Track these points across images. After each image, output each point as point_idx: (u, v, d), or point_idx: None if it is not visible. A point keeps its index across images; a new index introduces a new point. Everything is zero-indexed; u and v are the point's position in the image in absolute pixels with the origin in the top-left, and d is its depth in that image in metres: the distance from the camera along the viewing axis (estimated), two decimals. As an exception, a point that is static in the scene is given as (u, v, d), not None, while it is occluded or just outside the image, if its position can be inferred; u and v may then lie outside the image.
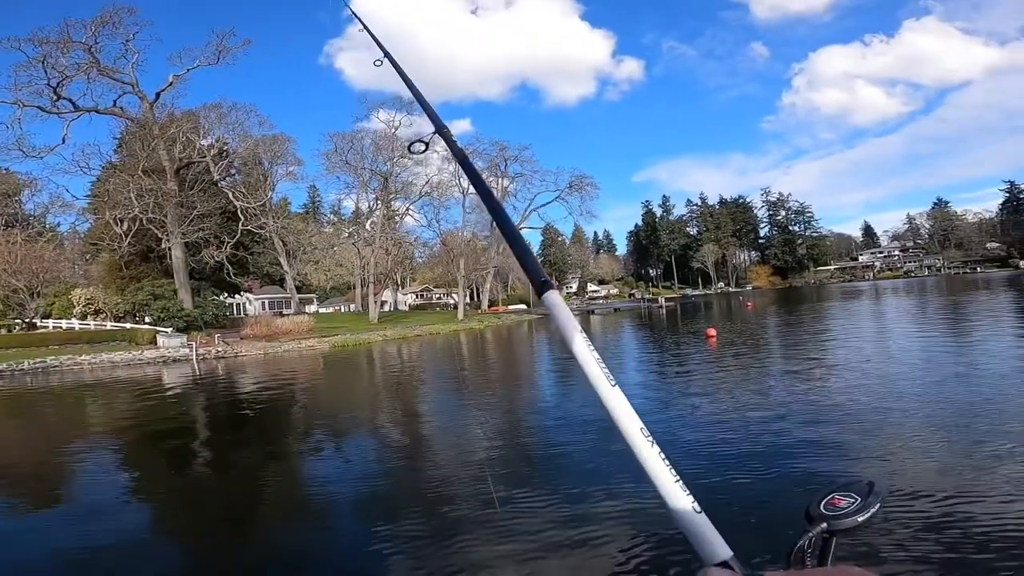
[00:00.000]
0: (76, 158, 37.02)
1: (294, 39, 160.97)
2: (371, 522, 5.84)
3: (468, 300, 67.76)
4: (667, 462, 0.64)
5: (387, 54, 1.85)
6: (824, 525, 0.83)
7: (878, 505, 0.87)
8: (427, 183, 56.00)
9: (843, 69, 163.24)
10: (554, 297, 0.81)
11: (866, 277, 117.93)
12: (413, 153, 1.61)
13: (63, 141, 36.08)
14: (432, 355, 26.87)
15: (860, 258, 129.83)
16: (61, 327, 34.22)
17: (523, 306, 73.19)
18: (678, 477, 0.63)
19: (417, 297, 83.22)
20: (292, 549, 5.33)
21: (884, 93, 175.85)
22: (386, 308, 68.61)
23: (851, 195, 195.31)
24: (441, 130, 1.33)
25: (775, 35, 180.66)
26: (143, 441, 11.24)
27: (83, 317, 35.98)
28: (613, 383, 0.70)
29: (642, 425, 0.66)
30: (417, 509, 6.07)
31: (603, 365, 0.70)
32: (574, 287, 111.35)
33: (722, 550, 0.60)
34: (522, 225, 66.94)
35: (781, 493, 5.41)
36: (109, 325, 34.51)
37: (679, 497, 0.62)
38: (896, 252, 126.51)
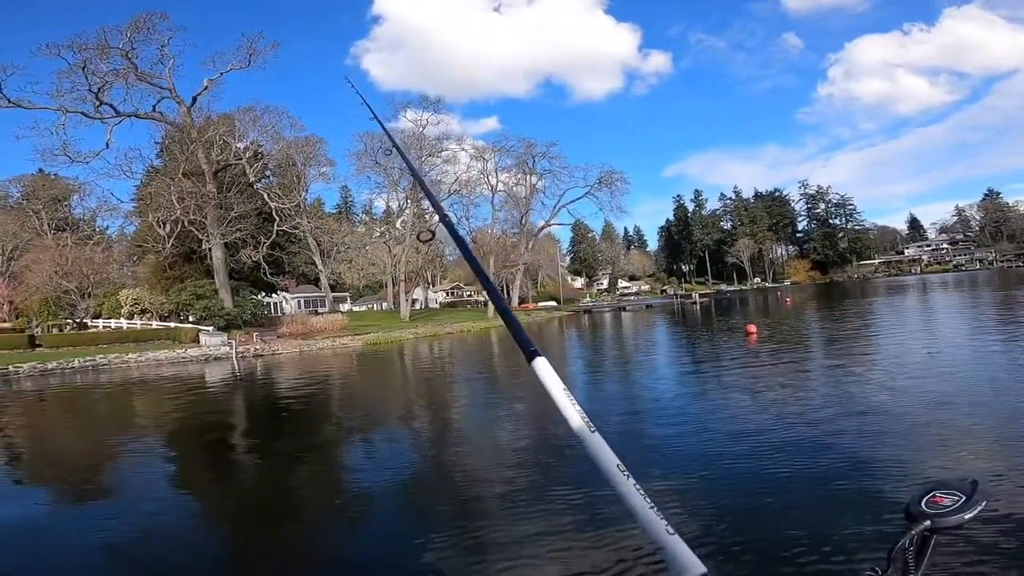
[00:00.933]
0: (119, 162, 38.56)
1: (320, 41, 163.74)
2: (405, 517, 5.94)
3: (498, 298, 67.74)
4: (642, 492, 0.71)
5: (395, 144, 2.11)
6: (927, 523, 0.82)
7: (984, 503, 0.85)
8: (455, 181, 56.23)
9: (882, 58, 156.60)
10: (542, 365, 0.88)
11: (912, 271, 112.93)
12: (422, 241, 1.66)
13: (106, 146, 37.60)
14: (464, 352, 26.89)
15: (906, 251, 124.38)
16: (110, 326, 35.69)
17: (553, 303, 72.83)
18: (652, 504, 0.69)
19: (448, 295, 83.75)
20: (326, 541, 5.41)
21: (927, 82, 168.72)
22: (417, 306, 69.26)
23: (895, 187, 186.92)
24: (444, 219, 1.46)
25: (809, 26, 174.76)
26: (185, 436, 11.57)
27: (130, 317, 37.46)
28: (593, 430, 0.77)
29: (619, 462, 0.72)
30: (449, 503, 6.12)
31: (584, 416, 0.78)
32: (604, 283, 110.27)
33: (695, 567, 0.64)
34: (551, 221, 66.67)
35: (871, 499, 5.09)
36: (155, 324, 35.83)
37: (654, 521, 0.68)
38: (945, 245, 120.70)
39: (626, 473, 0.72)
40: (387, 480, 7.27)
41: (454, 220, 1.49)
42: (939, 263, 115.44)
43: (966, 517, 0.82)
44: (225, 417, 14.08)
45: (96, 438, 12.02)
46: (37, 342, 31.19)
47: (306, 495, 7.22)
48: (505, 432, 9.52)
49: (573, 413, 0.81)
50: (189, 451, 10.35)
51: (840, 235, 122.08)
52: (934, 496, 0.86)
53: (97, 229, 59.07)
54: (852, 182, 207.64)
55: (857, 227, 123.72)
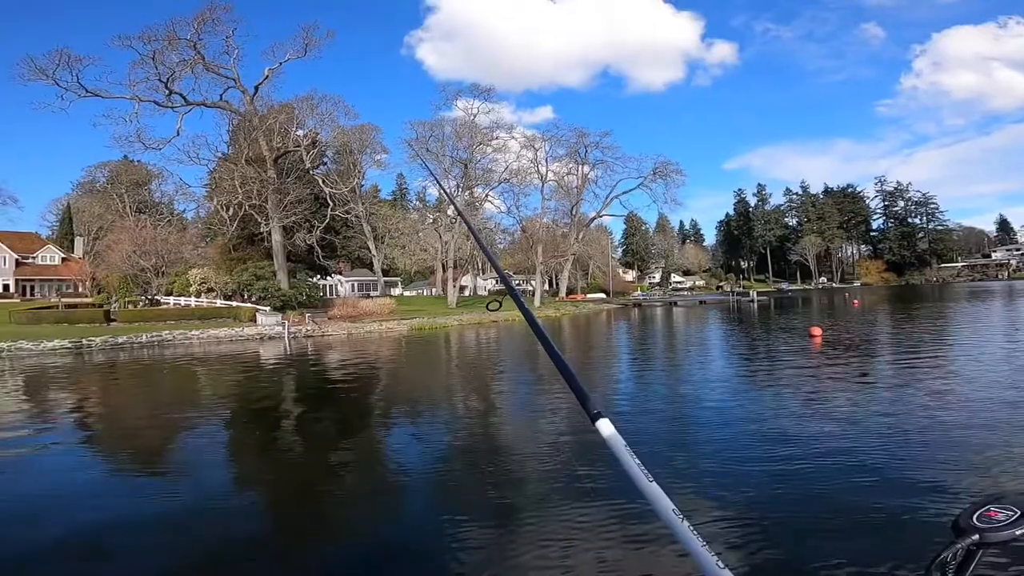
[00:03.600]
0: (187, 149, 40.34)
1: (375, 31, 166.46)
2: (443, 502, 6.05)
3: (547, 287, 67.38)
4: (695, 532, 0.77)
5: (461, 216, 1.91)
6: (975, 537, 0.81)
7: None
8: (506, 169, 55.97)
9: (976, 51, 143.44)
10: (605, 426, 0.92)
11: (999, 276, 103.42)
12: (490, 309, 1.30)
13: (177, 133, 39.40)
14: (504, 341, 26.75)
15: (993, 255, 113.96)
16: (180, 304, 37.92)
17: (602, 295, 71.66)
18: (704, 542, 0.76)
19: (497, 283, 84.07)
20: (362, 520, 5.75)
21: None
22: (466, 293, 69.99)
23: (984, 185, 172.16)
24: (506, 283, 1.39)
25: (890, 16, 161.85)
26: (230, 412, 12.06)
27: (198, 295, 39.69)
28: (651, 480, 0.83)
29: (674, 507, 0.79)
30: (481, 493, 6.19)
31: (643, 468, 0.84)
32: (657, 277, 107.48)
33: None
34: (603, 212, 65.33)
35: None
36: (219, 303, 37.77)
37: (706, 557, 0.74)
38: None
39: (681, 516, 0.78)
40: (419, 463, 7.60)
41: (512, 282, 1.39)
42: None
43: (1017, 532, 0.79)
44: (269, 394, 14.57)
45: (152, 411, 12.69)
46: (112, 316, 33.55)
47: (341, 474, 7.54)
48: (536, 427, 9.27)
49: (635, 468, 0.86)
50: (233, 426, 10.74)
51: (920, 235, 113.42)
52: (987, 510, 0.84)
53: (175, 212, 63.08)
54: (935, 180, 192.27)
55: (939, 227, 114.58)
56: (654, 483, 0.82)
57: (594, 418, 0.92)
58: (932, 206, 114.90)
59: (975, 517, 0.82)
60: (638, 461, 0.85)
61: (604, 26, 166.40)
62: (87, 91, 36.63)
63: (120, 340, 26.92)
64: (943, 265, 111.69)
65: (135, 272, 39.42)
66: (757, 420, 8.93)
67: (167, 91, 37.44)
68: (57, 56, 35.39)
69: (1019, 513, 0.81)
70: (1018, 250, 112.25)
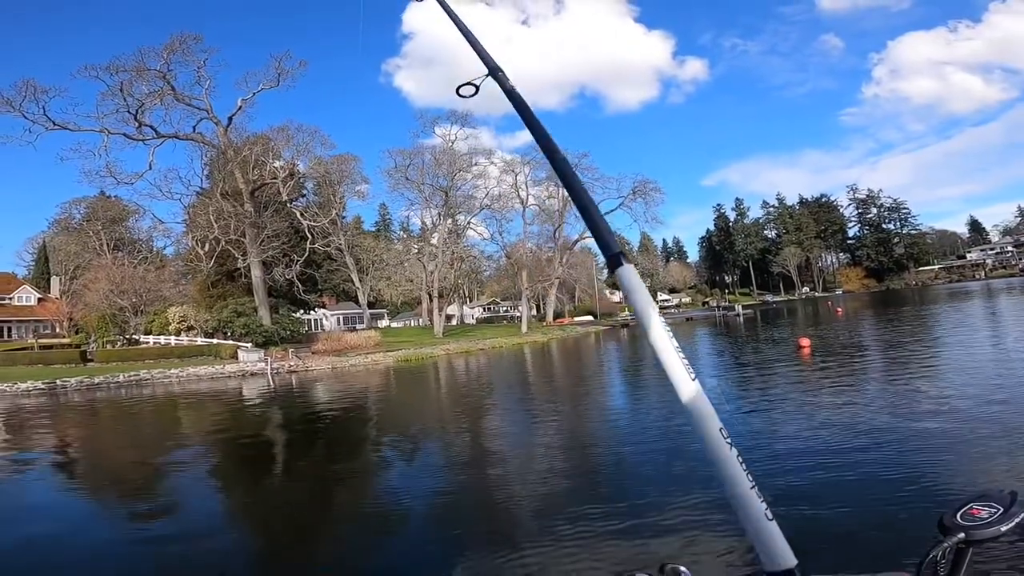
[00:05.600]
0: (159, 183, 39.45)
1: (352, 60, 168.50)
2: (433, 537, 5.92)
3: (533, 312, 67.22)
4: (744, 466, 0.64)
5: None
6: (961, 535, 0.81)
7: (1022, 515, 0.84)
8: (487, 195, 56.34)
9: (929, 56, 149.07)
10: (628, 273, 0.80)
11: (976, 276, 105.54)
12: (461, 96, 1.41)
13: (149, 167, 38.63)
14: (493, 369, 26.42)
15: (968, 256, 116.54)
16: (160, 342, 37.12)
17: (589, 317, 71.63)
18: (754, 483, 0.63)
19: (484, 310, 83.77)
20: (354, 555, 5.62)
21: (981, 80, 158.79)
22: (453, 322, 69.49)
23: (951, 188, 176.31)
24: (496, 73, 1.21)
25: (846, 26, 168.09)
26: (214, 450, 11.64)
27: (177, 333, 38.90)
28: (693, 377, 0.69)
29: (721, 425, 0.66)
30: (475, 524, 6.08)
31: (683, 355, 0.69)
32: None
33: (787, 559, 0.61)
34: (585, 235, 65.75)
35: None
36: (200, 340, 37.05)
37: (752, 502, 0.62)
38: (1010, 248, 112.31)
39: (729, 441, 0.66)
40: (401, 496, 7.40)
41: (508, 77, 1.21)
42: (1004, 267, 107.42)
43: (1002, 529, 0.80)
44: (248, 431, 14.09)
45: (131, 450, 12.16)
46: (89, 357, 32.67)
47: (326, 509, 7.31)
48: (535, 454, 9.00)
49: (669, 348, 0.75)
50: (216, 464, 10.31)
51: (895, 240, 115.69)
52: (971, 508, 0.84)
53: (154, 249, 62.15)
54: (904, 185, 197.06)
55: (913, 231, 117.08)
56: (696, 382, 0.68)
57: (612, 263, 0.82)
58: (904, 211, 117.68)
59: (959, 515, 0.84)
60: (677, 344, 0.71)
61: (578, 48, 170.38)
62: (54, 123, 35.78)
63: (97, 380, 26.15)
64: (920, 268, 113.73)
65: (113, 311, 38.60)
66: (755, 433, 8.77)
67: (137, 123, 36.80)
68: (23, 87, 34.60)
69: (1002, 510, 0.82)
70: (992, 249, 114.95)
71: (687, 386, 0.68)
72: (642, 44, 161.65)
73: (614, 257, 0.78)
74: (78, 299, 45.43)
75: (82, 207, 63.11)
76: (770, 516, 0.63)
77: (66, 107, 45.42)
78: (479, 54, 1.24)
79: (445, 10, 1.55)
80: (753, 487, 0.63)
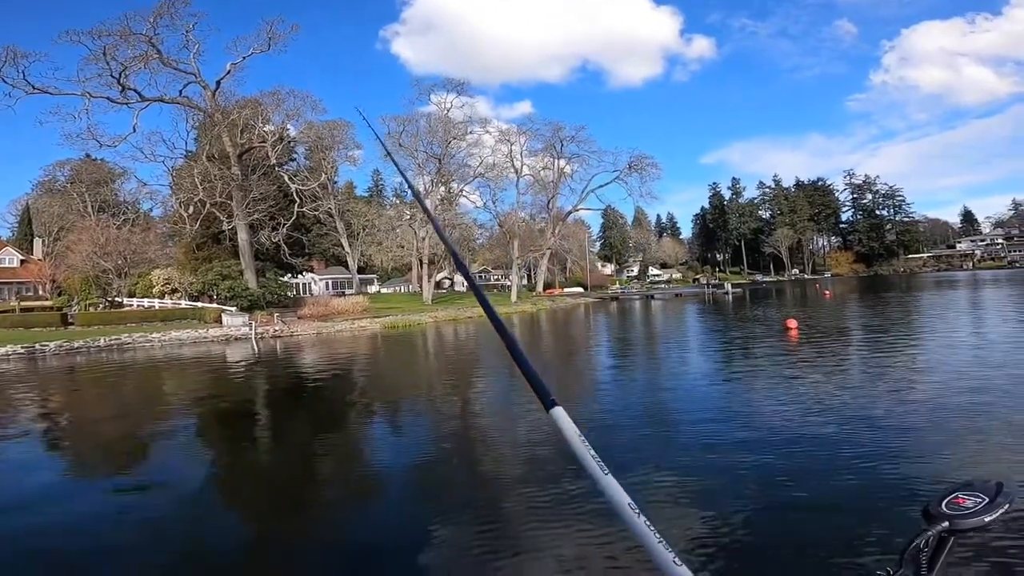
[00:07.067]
0: (141, 146, 38.72)
1: (349, 25, 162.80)
2: (419, 503, 5.96)
3: (524, 282, 67.12)
4: (651, 527, 0.74)
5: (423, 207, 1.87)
6: (945, 524, 0.82)
7: (1007, 506, 0.84)
8: (482, 164, 55.45)
9: (942, 46, 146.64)
10: (559, 414, 0.89)
11: (964, 266, 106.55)
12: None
13: (133, 130, 37.85)
14: (479, 338, 26.35)
15: (958, 246, 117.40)
16: (143, 305, 36.59)
17: (579, 289, 71.69)
18: (661, 538, 0.72)
19: (475, 278, 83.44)
20: (341, 525, 5.57)
21: (993, 72, 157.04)
22: (443, 289, 69.30)
23: (948, 179, 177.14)
24: (460, 266, 1.33)
25: (861, 12, 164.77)
26: (191, 418, 11.44)
27: (161, 296, 38.34)
28: (607, 472, 0.80)
29: (630, 501, 0.75)
30: (453, 493, 6.12)
31: (599, 460, 0.81)
32: (635, 271, 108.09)
33: None
34: (579, 206, 65.25)
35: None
36: (184, 304, 36.55)
37: (663, 554, 0.70)
38: (1000, 240, 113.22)
39: (637, 511, 0.75)
40: (386, 464, 7.48)
41: (466, 264, 1.32)
42: (993, 259, 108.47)
43: (986, 519, 0.81)
44: (228, 398, 13.91)
45: (103, 419, 11.98)
46: (69, 320, 32.15)
47: (303, 476, 7.27)
48: (509, 424, 8.94)
49: (589, 459, 0.84)
50: (188, 433, 10.13)
51: (887, 227, 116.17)
52: (956, 497, 0.85)
53: (140, 211, 60.95)
54: (902, 173, 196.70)
55: (906, 219, 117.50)
56: (609, 475, 0.78)
57: (549, 406, 0.88)
58: (899, 198, 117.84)
59: (944, 504, 0.84)
60: (593, 452, 0.82)
61: (583, 20, 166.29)
62: (34, 87, 35.07)
63: (76, 344, 25.77)
64: (910, 256, 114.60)
65: (96, 274, 37.89)
66: (738, 415, 8.72)
67: (121, 87, 35.93)
68: (3, 52, 33.89)
69: (987, 500, 0.83)
70: (983, 241, 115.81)
71: (602, 479, 0.75)
72: (650, 19, 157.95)
73: (551, 402, 0.86)
74: (61, 261, 44.59)
75: (66, 169, 61.74)
76: (678, 562, 0.66)
77: (46, 71, 43.98)
78: (451, 253, 1.32)
79: (428, 216, 1.62)
80: (660, 542, 0.68)
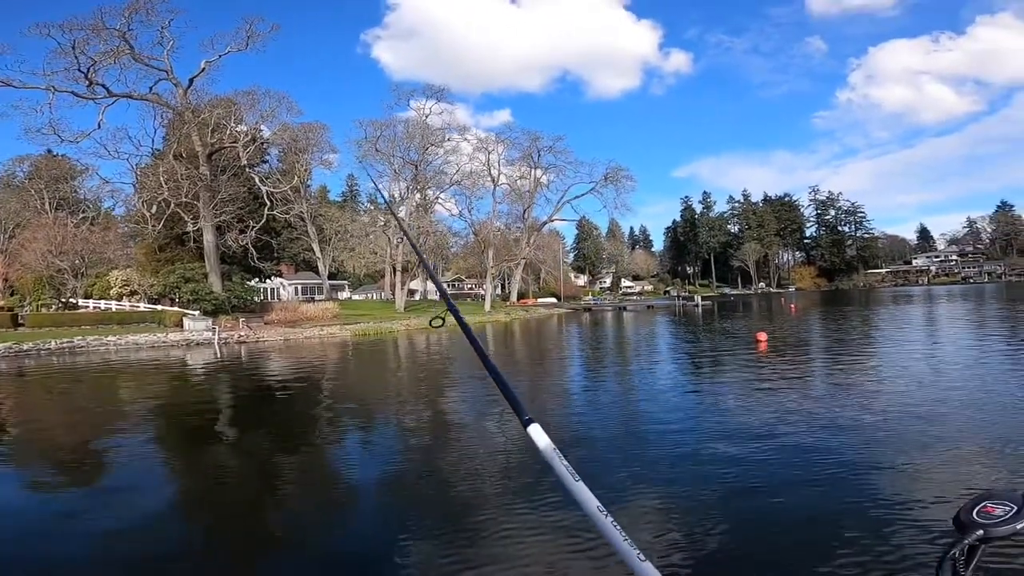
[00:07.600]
0: (104, 142, 37.48)
1: (330, 29, 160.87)
2: (389, 511, 5.86)
3: (498, 292, 66.97)
4: (618, 527, 0.79)
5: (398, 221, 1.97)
6: (980, 532, 0.84)
7: None
8: (458, 171, 55.32)
9: (906, 64, 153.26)
10: (536, 431, 0.96)
11: (920, 282, 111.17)
12: (433, 327, 1.74)
13: (98, 126, 36.67)
14: (455, 348, 26.04)
15: (915, 261, 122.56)
16: (100, 307, 35.06)
17: (553, 299, 71.92)
18: (627, 536, 0.78)
19: (449, 287, 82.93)
20: (309, 535, 5.31)
21: (953, 91, 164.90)
22: (416, 297, 68.55)
23: (906, 196, 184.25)
24: (452, 309, 1.43)
25: (832, 29, 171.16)
26: (145, 425, 10.81)
27: (119, 298, 36.81)
28: (577, 479, 0.86)
29: (599, 504, 0.82)
30: (438, 497, 6.08)
31: (570, 468, 0.87)
32: (607, 282, 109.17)
33: None
34: (555, 217, 65.62)
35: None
36: (143, 306, 35.18)
37: (627, 551, 0.77)
38: (954, 257, 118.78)
39: (605, 512, 0.81)
40: (352, 476, 7.28)
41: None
42: (947, 275, 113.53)
43: (1017, 527, 0.83)
44: (184, 404, 13.32)
45: (49, 426, 11.29)
46: (20, 321, 30.57)
47: (262, 483, 7.08)
48: (480, 434, 8.75)
49: (562, 468, 0.89)
50: (134, 441, 9.57)
51: (848, 243, 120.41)
52: (985, 506, 0.86)
53: (101, 210, 58.66)
54: (864, 190, 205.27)
55: (866, 235, 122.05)
56: (580, 482, 0.84)
57: (526, 423, 0.94)
58: (860, 215, 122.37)
59: (976, 513, 0.86)
60: (566, 463, 0.88)
61: (565, 31, 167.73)
62: None
63: (26, 347, 24.47)
64: (869, 271, 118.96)
65: (51, 273, 36.17)
66: (713, 425, 8.73)
67: (88, 82, 34.65)
68: None
69: (1016, 508, 0.85)
70: (938, 257, 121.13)
71: (573, 485, 0.84)
72: (631, 33, 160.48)
73: (527, 420, 0.92)
74: (14, 259, 42.45)
75: (26, 165, 59.04)
76: (643, 558, 0.74)
77: (11, 64, 42.33)
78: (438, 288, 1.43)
79: (402, 230, 1.44)
80: (627, 540, 0.74)
